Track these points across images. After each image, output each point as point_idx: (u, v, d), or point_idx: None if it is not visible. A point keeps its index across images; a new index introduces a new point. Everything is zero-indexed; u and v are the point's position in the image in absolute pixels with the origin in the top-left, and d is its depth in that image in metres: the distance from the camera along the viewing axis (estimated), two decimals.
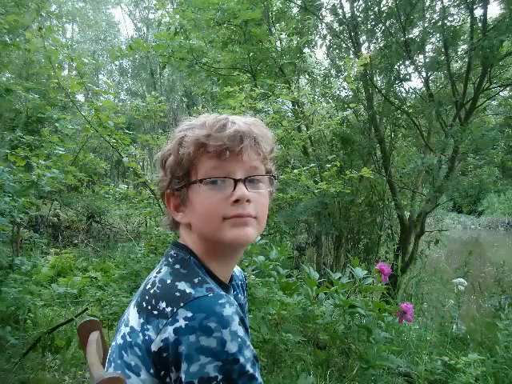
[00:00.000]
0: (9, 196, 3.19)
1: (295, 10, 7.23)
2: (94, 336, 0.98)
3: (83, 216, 7.80)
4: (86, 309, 3.34)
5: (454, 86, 5.87)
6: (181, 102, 19.37)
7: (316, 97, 7.91)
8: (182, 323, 0.67)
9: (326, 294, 2.91)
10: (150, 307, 0.73)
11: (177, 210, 0.84)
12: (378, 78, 6.91)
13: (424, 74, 6.23)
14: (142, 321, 0.73)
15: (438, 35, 6.03)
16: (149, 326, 0.71)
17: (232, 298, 0.72)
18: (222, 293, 0.72)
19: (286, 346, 2.74)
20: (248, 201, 0.77)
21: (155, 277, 0.78)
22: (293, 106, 6.54)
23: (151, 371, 0.70)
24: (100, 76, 21.85)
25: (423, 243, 6.46)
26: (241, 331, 0.68)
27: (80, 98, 10.48)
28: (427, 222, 6.87)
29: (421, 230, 6.26)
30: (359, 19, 6.28)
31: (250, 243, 0.91)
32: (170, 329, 0.68)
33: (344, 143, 6.87)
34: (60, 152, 3.53)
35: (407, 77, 6.39)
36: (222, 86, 6.47)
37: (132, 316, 0.76)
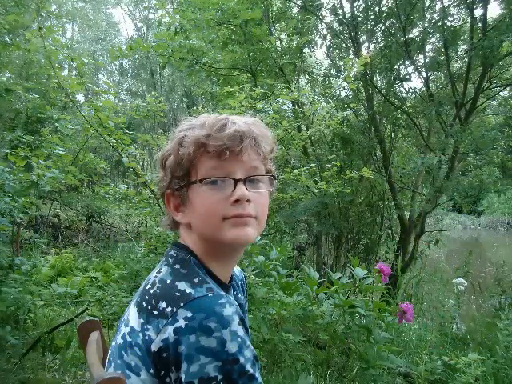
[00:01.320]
0: (9, 196, 3.20)
1: (295, 10, 7.23)
2: (94, 336, 0.98)
3: (83, 216, 7.79)
4: (86, 309, 3.34)
5: (453, 85, 5.87)
6: (181, 102, 19.38)
7: (316, 97, 7.91)
8: (182, 323, 0.67)
9: (325, 294, 2.91)
10: (150, 307, 0.73)
11: (177, 210, 0.84)
12: (378, 78, 6.91)
13: (424, 74, 6.23)
14: (142, 321, 0.73)
15: (438, 35, 6.03)
16: (149, 326, 0.71)
17: (232, 298, 0.72)
18: (222, 293, 0.72)
19: (286, 346, 2.74)
20: (248, 201, 0.77)
21: (155, 277, 0.78)
22: (293, 105, 6.54)
23: (151, 371, 0.70)
24: (100, 76, 21.88)
25: (423, 243, 6.46)
26: (241, 331, 0.68)
27: (80, 98, 10.49)
28: (427, 222, 6.87)
29: (421, 230, 6.26)
30: (359, 19, 6.28)
31: (250, 243, 0.91)
32: (170, 329, 0.68)
33: (344, 143, 6.87)
34: (60, 152, 3.53)
35: (407, 77, 6.39)
36: (221, 86, 6.47)
37: (132, 316, 0.76)
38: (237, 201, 0.76)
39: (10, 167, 3.41)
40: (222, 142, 0.76)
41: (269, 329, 2.63)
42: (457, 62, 6.51)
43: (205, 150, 0.77)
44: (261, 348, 2.61)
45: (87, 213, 7.54)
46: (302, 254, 7.90)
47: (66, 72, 9.06)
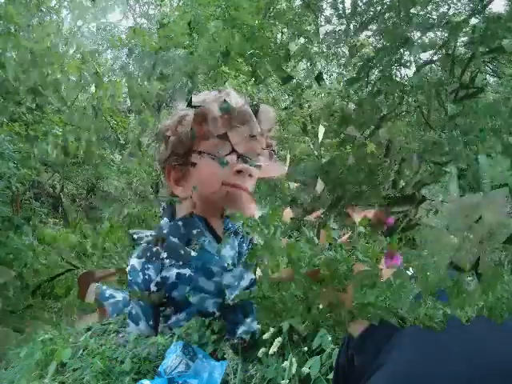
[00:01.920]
0: (14, 163, 3.23)
1: (297, 2, 7.27)
2: (94, 287, 0.98)
3: (83, 190, 7.73)
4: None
5: (453, 69, 5.90)
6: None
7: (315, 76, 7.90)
8: None
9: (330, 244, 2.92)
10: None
11: (177, 183, 0.82)
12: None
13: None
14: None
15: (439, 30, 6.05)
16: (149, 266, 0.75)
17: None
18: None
19: (284, 305, 2.72)
20: (250, 175, 0.78)
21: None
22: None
23: None
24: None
25: (423, 210, 6.42)
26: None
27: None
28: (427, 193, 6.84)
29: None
30: (359, 14, 6.33)
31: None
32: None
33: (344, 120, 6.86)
34: (58, 132, 3.56)
35: (407, 64, 6.42)
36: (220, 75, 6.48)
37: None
38: (239, 172, 0.77)
39: (10, 136, 3.44)
40: (224, 118, 0.76)
41: (270, 286, 2.62)
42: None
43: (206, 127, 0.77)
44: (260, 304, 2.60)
45: (87, 186, 7.50)
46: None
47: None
